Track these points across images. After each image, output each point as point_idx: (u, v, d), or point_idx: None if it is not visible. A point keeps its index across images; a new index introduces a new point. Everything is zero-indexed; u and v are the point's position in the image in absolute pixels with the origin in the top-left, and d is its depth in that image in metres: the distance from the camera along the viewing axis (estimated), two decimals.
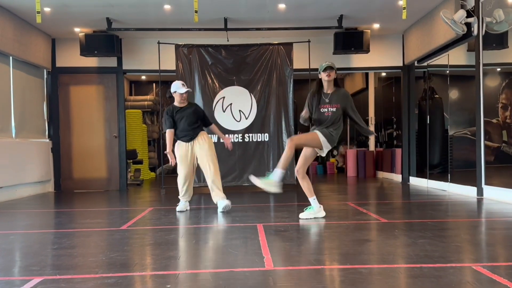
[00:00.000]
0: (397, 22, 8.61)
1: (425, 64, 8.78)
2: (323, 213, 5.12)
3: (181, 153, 5.97)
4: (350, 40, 8.72)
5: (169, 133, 5.97)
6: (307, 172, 5.33)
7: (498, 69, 6.83)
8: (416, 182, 9.22)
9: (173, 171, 13.49)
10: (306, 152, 5.06)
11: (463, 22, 6.73)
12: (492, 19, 6.50)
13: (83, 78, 9.43)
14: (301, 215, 5.10)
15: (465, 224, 4.73)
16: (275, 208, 6.26)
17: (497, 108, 6.69)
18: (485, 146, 6.72)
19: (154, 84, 13.51)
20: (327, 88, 4.98)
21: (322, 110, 4.93)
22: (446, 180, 7.91)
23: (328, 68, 4.88)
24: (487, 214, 5.43)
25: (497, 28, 6.56)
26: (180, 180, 6.00)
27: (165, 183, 8.60)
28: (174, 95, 6.00)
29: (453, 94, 7.98)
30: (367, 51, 8.75)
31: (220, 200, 5.87)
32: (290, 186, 8.58)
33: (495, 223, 4.81)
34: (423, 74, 9.31)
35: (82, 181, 9.38)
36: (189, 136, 5.96)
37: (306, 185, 5.09)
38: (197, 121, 6.04)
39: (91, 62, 9.26)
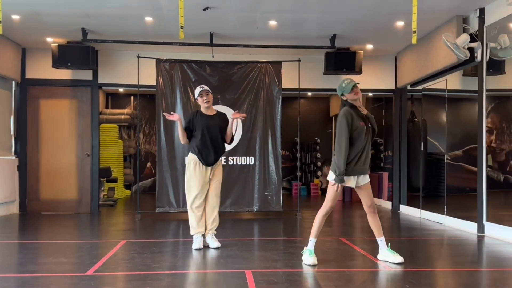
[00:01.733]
0: (391, 43, 8.20)
1: (420, 87, 8.37)
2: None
3: (199, 179, 5.07)
4: (342, 60, 8.24)
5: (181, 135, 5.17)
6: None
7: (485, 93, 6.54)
8: (408, 211, 8.73)
9: (150, 189, 12.89)
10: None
11: (466, 46, 6.32)
12: (496, 44, 6.12)
13: (54, 91, 8.73)
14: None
15: (482, 277, 4.23)
16: (261, 245, 5.66)
17: None
18: (472, 172, 6.51)
19: (132, 97, 12.81)
20: (360, 108, 4.48)
21: (364, 129, 4.40)
22: (441, 211, 7.44)
23: (355, 86, 4.37)
24: (499, 261, 4.91)
25: (502, 54, 6.18)
26: (195, 212, 5.12)
27: (141, 206, 7.92)
28: (197, 102, 5.26)
29: (442, 117, 7.63)
30: (359, 72, 8.28)
31: (212, 240, 5.22)
32: (275, 213, 8.03)
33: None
34: (411, 97, 8.97)
35: (50, 203, 8.62)
36: (211, 159, 5.11)
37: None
38: (223, 138, 5.25)
39: (64, 74, 8.57)
